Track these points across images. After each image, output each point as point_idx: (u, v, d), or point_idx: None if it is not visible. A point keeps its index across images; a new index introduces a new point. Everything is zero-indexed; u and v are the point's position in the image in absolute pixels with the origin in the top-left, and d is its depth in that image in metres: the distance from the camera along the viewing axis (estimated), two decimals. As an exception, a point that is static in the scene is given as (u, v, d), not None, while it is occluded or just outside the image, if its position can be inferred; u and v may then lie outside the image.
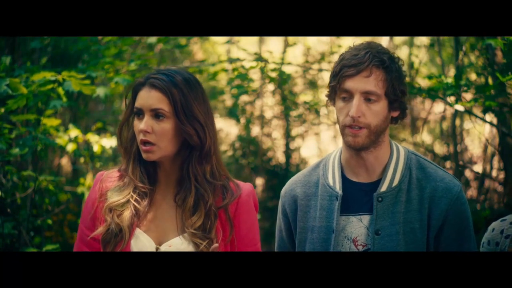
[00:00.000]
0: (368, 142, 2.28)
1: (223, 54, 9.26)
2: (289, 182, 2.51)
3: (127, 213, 2.13)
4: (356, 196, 2.34)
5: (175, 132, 2.12)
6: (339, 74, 2.26)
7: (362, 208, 2.32)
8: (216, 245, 2.08)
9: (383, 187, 2.31)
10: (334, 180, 2.37)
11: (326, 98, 2.37)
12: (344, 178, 2.37)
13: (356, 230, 2.32)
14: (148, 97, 2.11)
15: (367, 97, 2.24)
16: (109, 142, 4.83)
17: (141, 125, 2.10)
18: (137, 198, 2.15)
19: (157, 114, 2.10)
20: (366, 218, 2.31)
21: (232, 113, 8.05)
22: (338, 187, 2.35)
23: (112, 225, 2.12)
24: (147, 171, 2.18)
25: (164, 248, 2.13)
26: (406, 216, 2.29)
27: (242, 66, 5.71)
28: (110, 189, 2.17)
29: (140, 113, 2.12)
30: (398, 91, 2.28)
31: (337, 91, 2.29)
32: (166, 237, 2.15)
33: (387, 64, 2.25)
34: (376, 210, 2.29)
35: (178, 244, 2.13)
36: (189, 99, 2.12)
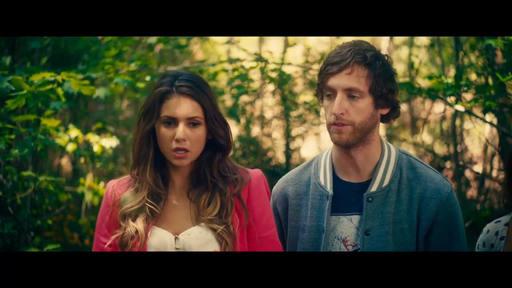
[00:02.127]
0: (354, 139, 2.27)
1: (223, 54, 9.26)
2: (281, 180, 2.51)
3: (143, 216, 2.16)
4: (347, 196, 2.33)
5: (206, 136, 2.19)
6: (323, 72, 2.27)
7: (353, 208, 2.32)
8: None
9: (373, 187, 2.30)
10: (325, 180, 2.37)
11: (316, 98, 2.38)
12: (335, 178, 2.37)
13: (346, 230, 2.31)
14: (183, 106, 2.15)
15: (350, 94, 2.24)
16: (109, 142, 4.83)
17: (178, 133, 2.13)
18: (151, 201, 2.18)
19: (193, 122, 2.15)
20: (356, 218, 2.31)
21: (232, 113, 8.04)
22: (329, 187, 2.35)
23: (128, 228, 2.15)
24: (162, 174, 2.22)
25: (182, 237, 2.16)
26: (395, 217, 2.28)
27: (242, 67, 5.71)
28: (123, 195, 2.20)
29: (172, 122, 2.15)
30: (384, 88, 2.25)
31: (322, 89, 2.29)
32: (183, 229, 2.18)
33: (370, 60, 2.23)
34: (366, 211, 2.29)
35: (197, 232, 2.17)
36: (214, 102, 2.20)
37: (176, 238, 2.16)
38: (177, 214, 2.21)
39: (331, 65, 2.25)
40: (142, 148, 2.19)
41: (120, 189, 2.23)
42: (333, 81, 2.25)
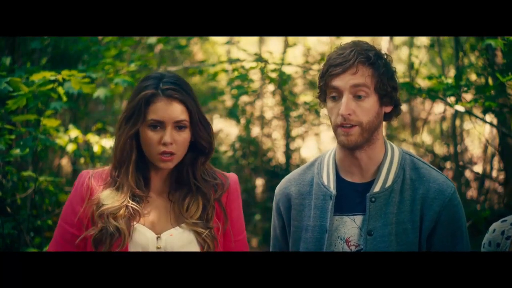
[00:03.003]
0: (362, 140, 2.26)
1: (223, 54, 9.27)
2: (284, 180, 2.51)
3: (125, 214, 2.14)
4: (350, 196, 2.33)
5: (190, 139, 2.19)
6: (326, 73, 2.26)
7: (356, 208, 2.32)
8: None
9: (376, 188, 2.30)
10: (328, 179, 2.37)
11: (318, 100, 2.37)
12: (338, 178, 2.37)
13: (349, 230, 2.31)
14: (170, 110, 2.13)
15: (357, 92, 2.23)
16: (109, 143, 4.82)
17: (166, 137, 2.13)
18: (133, 203, 2.17)
19: (179, 126, 2.15)
20: (359, 219, 2.31)
21: (232, 113, 8.05)
22: (332, 187, 2.35)
23: (107, 226, 2.12)
24: (143, 175, 2.22)
25: (164, 236, 2.16)
26: (398, 217, 2.28)
27: (242, 67, 5.71)
28: (102, 194, 2.18)
29: (158, 125, 2.14)
30: (388, 86, 2.26)
31: (326, 91, 2.29)
32: (162, 229, 2.19)
33: (373, 60, 2.24)
34: (369, 211, 2.28)
35: (179, 232, 2.17)
36: (198, 104, 2.19)
37: (158, 237, 2.16)
38: (157, 214, 2.20)
39: (334, 66, 2.24)
40: (124, 151, 2.17)
41: (96, 182, 2.20)
42: (338, 82, 2.24)
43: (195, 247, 2.17)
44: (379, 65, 2.25)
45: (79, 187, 2.21)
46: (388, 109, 2.32)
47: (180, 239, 2.17)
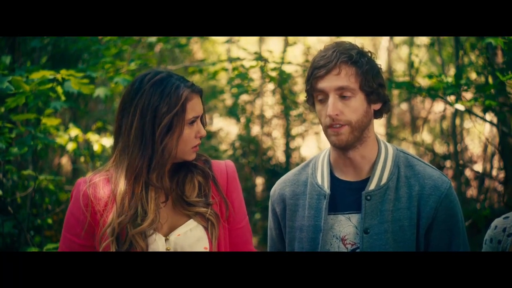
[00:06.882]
0: (352, 138, 2.27)
1: (223, 53, 9.28)
2: (279, 181, 2.52)
3: (150, 227, 2.13)
4: (345, 195, 2.34)
5: None
6: (311, 76, 2.27)
7: (351, 206, 2.32)
8: None
9: (372, 186, 2.31)
10: (322, 179, 2.38)
11: (308, 104, 2.38)
12: (332, 177, 2.37)
13: (345, 229, 2.32)
14: (200, 104, 2.20)
15: (342, 93, 2.24)
16: (109, 141, 4.83)
17: (202, 131, 2.19)
18: (158, 211, 2.17)
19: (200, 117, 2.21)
20: (354, 217, 2.31)
21: (232, 112, 8.06)
22: (326, 186, 2.36)
23: (134, 244, 2.11)
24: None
25: (172, 237, 2.16)
26: (395, 215, 2.29)
27: (242, 66, 5.72)
28: (122, 202, 2.13)
29: (195, 120, 2.17)
30: (373, 83, 2.27)
31: (312, 94, 2.30)
32: (171, 227, 2.18)
33: (355, 58, 2.25)
34: (365, 209, 2.29)
35: (186, 231, 2.17)
36: None
37: (166, 239, 2.16)
38: (164, 214, 2.19)
39: (318, 68, 2.26)
40: (169, 158, 2.15)
41: (99, 188, 2.17)
42: (323, 84, 2.25)
43: (203, 244, 2.17)
44: (362, 63, 2.25)
45: (79, 196, 2.17)
46: (377, 106, 2.33)
47: (188, 238, 2.16)
